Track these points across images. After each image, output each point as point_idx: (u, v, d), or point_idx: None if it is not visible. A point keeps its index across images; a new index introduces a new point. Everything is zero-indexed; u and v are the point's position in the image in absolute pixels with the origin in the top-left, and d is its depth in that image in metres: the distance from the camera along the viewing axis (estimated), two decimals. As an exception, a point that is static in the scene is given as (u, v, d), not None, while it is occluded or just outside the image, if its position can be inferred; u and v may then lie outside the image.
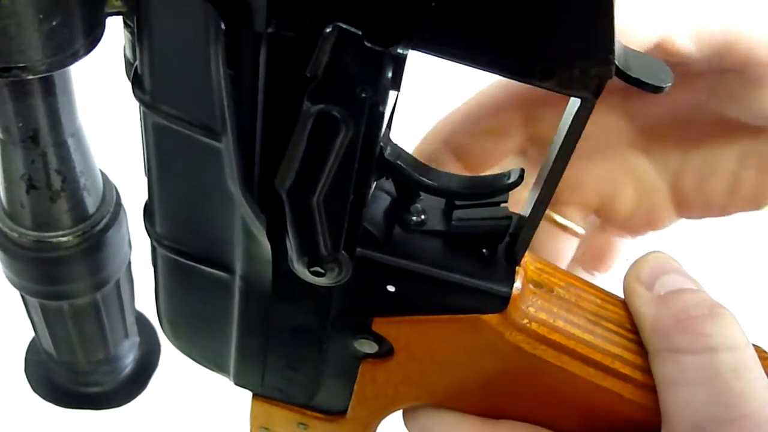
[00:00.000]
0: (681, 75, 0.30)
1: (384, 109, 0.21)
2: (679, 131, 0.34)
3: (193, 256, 0.28)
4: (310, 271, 0.26)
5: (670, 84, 0.21)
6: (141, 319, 0.40)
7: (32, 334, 0.39)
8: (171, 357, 0.41)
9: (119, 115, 0.65)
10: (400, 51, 0.20)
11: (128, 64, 0.29)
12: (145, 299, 0.38)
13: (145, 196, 0.32)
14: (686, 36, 0.28)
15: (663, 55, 0.29)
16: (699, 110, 0.33)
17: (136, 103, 0.26)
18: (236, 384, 0.33)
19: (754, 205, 0.35)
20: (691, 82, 0.32)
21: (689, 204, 0.36)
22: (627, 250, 0.38)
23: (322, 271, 0.26)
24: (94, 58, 0.27)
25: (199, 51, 0.21)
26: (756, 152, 0.34)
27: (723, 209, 0.35)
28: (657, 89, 0.21)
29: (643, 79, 0.21)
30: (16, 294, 0.36)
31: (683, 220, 0.37)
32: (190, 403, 0.62)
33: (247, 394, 0.35)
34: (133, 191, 0.34)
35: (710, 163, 0.35)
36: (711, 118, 0.33)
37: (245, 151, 0.24)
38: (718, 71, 0.30)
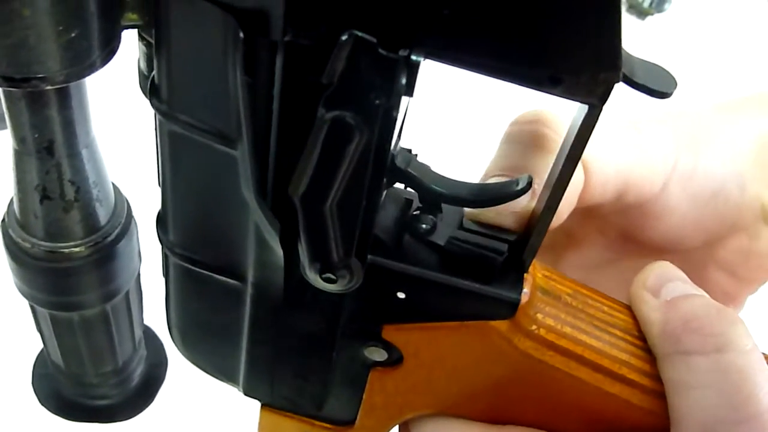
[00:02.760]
0: (597, 218, 0.34)
1: (397, 115, 0.22)
2: (615, 267, 0.37)
3: (206, 265, 0.28)
4: (321, 278, 0.26)
5: (674, 90, 0.22)
6: (148, 333, 0.40)
7: (39, 348, 0.40)
8: (178, 371, 0.42)
9: (129, 128, 0.65)
10: (413, 58, 0.20)
11: (142, 77, 0.30)
12: (151, 313, 0.39)
13: (153, 209, 0.32)
14: (594, 182, 0.31)
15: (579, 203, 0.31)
16: (625, 247, 0.36)
17: (146, 117, 0.26)
18: (245, 394, 0.33)
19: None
20: (608, 222, 0.35)
21: None
22: None
23: (334, 277, 0.26)
24: (105, 72, 0.28)
25: (217, 60, 0.22)
26: (690, 274, 0.33)
27: None
28: (663, 95, 0.22)
29: (650, 86, 0.22)
30: (23, 308, 0.36)
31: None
32: (197, 417, 0.62)
33: (253, 409, 0.35)
34: (142, 205, 0.35)
35: None
36: (640, 251, 0.36)
37: (260, 159, 0.24)
38: (624, 209, 0.33)
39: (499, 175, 0.28)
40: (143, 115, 0.28)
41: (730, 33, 1.00)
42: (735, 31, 1.01)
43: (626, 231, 0.35)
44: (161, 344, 0.41)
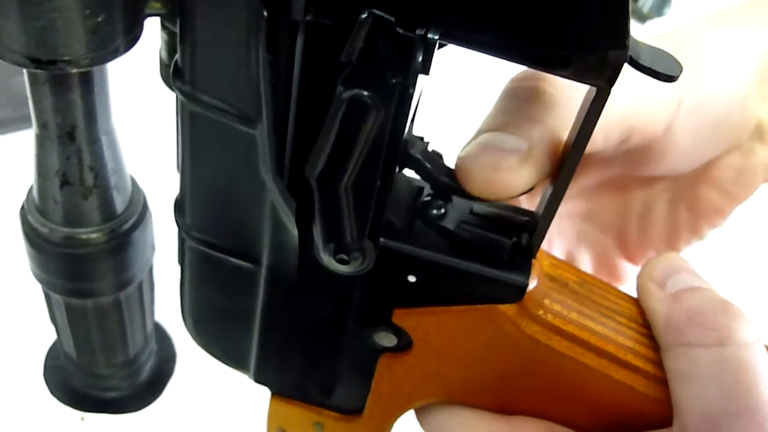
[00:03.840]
0: (598, 160, 0.34)
1: (413, 93, 0.22)
2: (612, 193, 0.38)
3: (221, 248, 0.29)
4: (335, 259, 0.27)
5: (680, 74, 0.23)
6: (157, 328, 0.41)
7: (50, 342, 0.40)
8: (186, 366, 0.42)
9: (144, 123, 0.66)
10: (430, 36, 0.21)
11: (163, 66, 0.31)
12: (161, 309, 0.39)
13: (165, 205, 0.33)
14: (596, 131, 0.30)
15: None
16: (623, 175, 0.37)
17: (159, 111, 0.27)
18: (256, 381, 0.33)
19: (696, 236, 0.38)
20: (609, 162, 0.34)
21: (636, 252, 0.39)
22: None
23: (347, 258, 0.27)
24: (124, 65, 0.29)
25: (241, 40, 0.23)
26: (682, 194, 0.36)
27: (668, 248, 0.38)
28: (669, 78, 0.22)
29: (655, 69, 0.22)
30: (35, 302, 0.37)
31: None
32: (204, 411, 0.62)
33: (260, 406, 0.35)
34: (154, 200, 0.35)
35: (646, 213, 0.38)
36: (636, 178, 0.37)
37: (278, 139, 0.25)
38: (627, 151, 0.33)
39: (492, 131, 0.27)
40: (157, 109, 0.28)
41: None
42: None
43: (627, 167, 0.35)
44: (170, 340, 0.41)
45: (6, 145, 0.73)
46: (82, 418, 0.59)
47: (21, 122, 0.74)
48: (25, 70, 0.28)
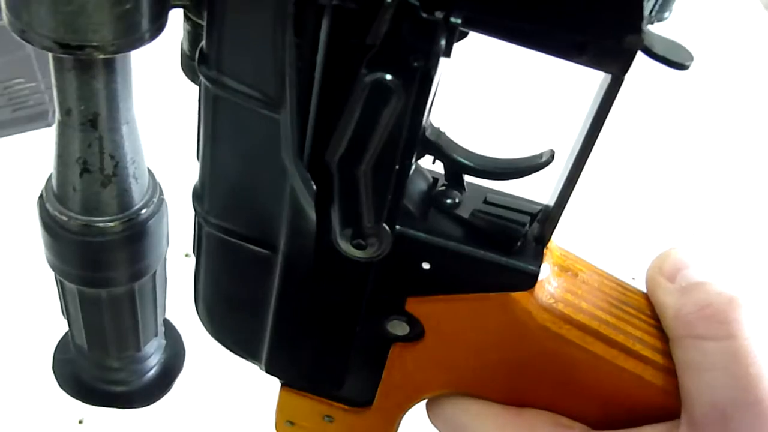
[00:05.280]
0: None
1: (434, 76, 0.23)
2: None
3: (239, 234, 0.29)
4: (352, 244, 0.27)
5: (691, 63, 0.24)
6: (167, 324, 0.41)
7: (49, 345, 0.40)
8: (194, 363, 0.42)
9: (160, 113, 0.67)
10: (452, 20, 0.22)
11: (185, 57, 0.32)
12: (170, 305, 0.40)
13: (177, 201, 0.33)
14: None
15: None
16: None
17: (177, 102, 0.28)
18: (267, 371, 0.34)
19: None
20: None
21: None
22: None
23: (364, 243, 0.27)
24: (143, 57, 0.30)
25: (268, 24, 0.23)
26: None
27: None
28: (681, 66, 0.23)
29: (669, 57, 0.23)
30: (45, 298, 0.37)
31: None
32: (212, 407, 0.62)
33: (268, 400, 0.36)
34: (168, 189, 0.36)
35: None
36: None
37: (300, 123, 0.25)
38: None
39: None
40: (175, 102, 0.29)
41: (730, 42, 1.02)
42: (735, 39, 1.03)
43: None
44: (179, 336, 0.42)
45: (6, 147, 0.73)
46: (81, 421, 0.59)
47: (21, 124, 0.74)
48: (50, 56, 0.28)
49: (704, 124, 0.92)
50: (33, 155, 0.62)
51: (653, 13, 0.25)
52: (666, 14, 0.28)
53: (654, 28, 0.24)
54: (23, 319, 0.61)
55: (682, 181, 0.85)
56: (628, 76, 0.24)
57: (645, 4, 0.22)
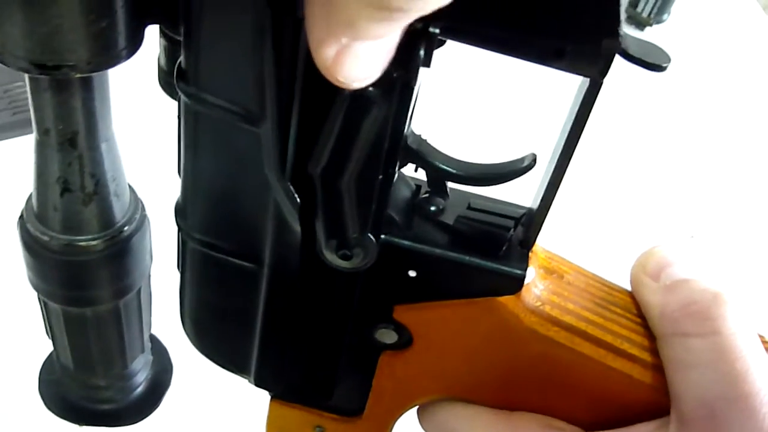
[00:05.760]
0: None
1: (414, 86, 0.23)
2: None
3: (223, 249, 0.29)
4: (338, 255, 0.27)
5: (668, 64, 0.24)
6: (153, 339, 0.41)
7: (44, 356, 0.40)
8: (183, 377, 0.42)
9: (139, 129, 0.66)
10: (431, 30, 0.22)
11: (162, 72, 0.32)
12: (156, 320, 0.40)
13: (160, 214, 0.33)
14: None
15: None
16: None
17: (155, 117, 0.27)
18: (256, 385, 0.34)
19: None
20: None
21: None
22: None
23: (349, 254, 0.27)
24: (120, 74, 0.29)
25: (246, 39, 0.23)
26: None
27: None
28: (658, 68, 0.24)
29: (646, 59, 0.23)
30: (29, 317, 0.37)
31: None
32: (201, 422, 0.62)
33: (258, 414, 0.35)
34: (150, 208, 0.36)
35: None
36: None
37: (281, 137, 0.25)
38: None
39: None
40: (153, 117, 0.29)
41: (729, 43, 1.03)
42: (734, 41, 1.03)
43: None
44: (166, 351, 0.42)
45: (6, 150, 0.72)
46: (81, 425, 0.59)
47: (21, 127, 0.73)
48: (27, 77, 0.28)
49: (703, 126, 0.92)
50: (33, 162, 0.61)
51: (652, 16, 0.26)
52: (665, 16, 0.28)
53: (653, 31, 0.24)
54: (22, 323, 0.60)
55: (681, 182, 0.85)
56: (616, 79, 0.24)
57: (621, 8, 0.22)
